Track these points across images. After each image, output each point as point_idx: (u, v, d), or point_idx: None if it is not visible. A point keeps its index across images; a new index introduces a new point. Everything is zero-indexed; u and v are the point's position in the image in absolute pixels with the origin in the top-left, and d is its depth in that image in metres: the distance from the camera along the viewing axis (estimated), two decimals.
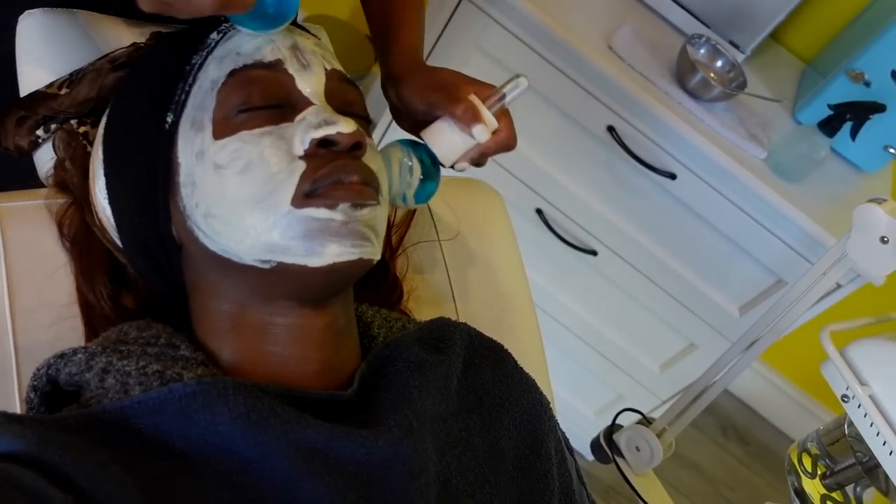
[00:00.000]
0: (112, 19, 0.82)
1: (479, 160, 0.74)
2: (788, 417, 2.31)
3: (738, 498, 2.12)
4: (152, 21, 0.78)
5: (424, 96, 0.73)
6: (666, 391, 1.72)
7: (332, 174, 0.58)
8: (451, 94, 0.71)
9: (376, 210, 0.61)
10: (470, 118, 0.69)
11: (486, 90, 0.72)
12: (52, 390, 0.61)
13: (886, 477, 0.87)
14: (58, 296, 0.69)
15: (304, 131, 0.59)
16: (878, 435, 0.83)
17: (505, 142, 0.73)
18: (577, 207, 1.53)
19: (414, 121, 0.77)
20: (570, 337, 1.73)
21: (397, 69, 0.79)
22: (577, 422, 1.86)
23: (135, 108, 0.64)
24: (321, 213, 0.57)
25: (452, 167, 0.74)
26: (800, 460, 1.01)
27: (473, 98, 0.70)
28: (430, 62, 1.49)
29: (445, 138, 0.71)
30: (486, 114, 0.70)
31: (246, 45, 0.63)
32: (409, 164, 0.72)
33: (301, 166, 0.58)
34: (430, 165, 0.73)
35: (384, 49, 0.82)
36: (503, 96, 0.72)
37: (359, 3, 0.90)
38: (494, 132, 0.72)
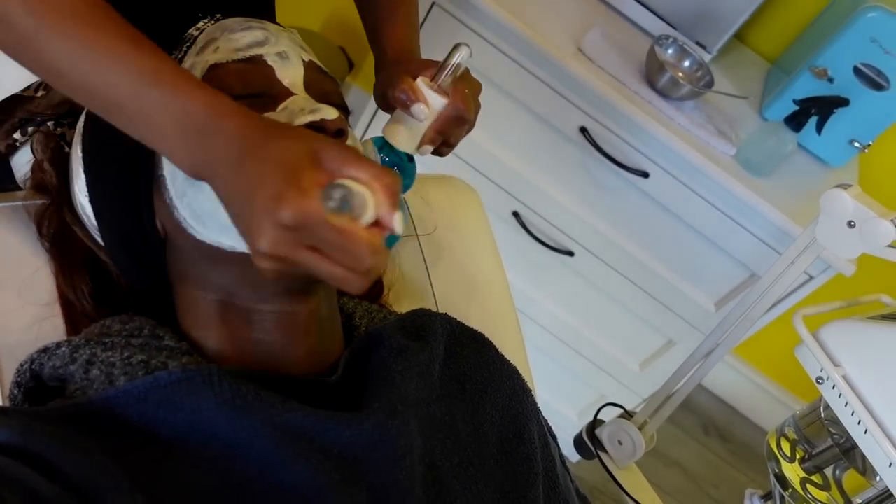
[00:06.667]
0: None
1: (438, 140, 0.71)
2: (767, 413, 2.33)
3: (720, 494, 2.14)
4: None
5: (378, 90, 0.73)
6: (646, 389, 1.74)
7: None
8: (392, 80, 0.69)
9: None
10: (405, 99, 0.67)
11: (430, 68, 0.70)
12: (36, 386, 0.61)
13: (863, 457, 0.88)
14: (38, 295, 0.69)
15: (289, 118, 0.60)
16: (852, 415, 0.85)
17: (454, 115, 0.70)
18: (553, 209, 1.55)
19: None
20: (549, 338, 1.74)
21: (376, 72, 0.78)
22: (560, 423, 1.86)
23: None
24: None
25: (419, 153, 0.72)
26: (778, 445, 1.02)
27: (420, 80, 0.68)
28: None
29: (396, 126, 0.70)
30: (426, 91, 0.68)
31: (224, 39, 0.64)
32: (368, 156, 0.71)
33: None
34: (406, 160, 0.74)
35: (374, 54, 0.81)
36: (448, 68, 0.68)
37: (331, 15, 0.90)
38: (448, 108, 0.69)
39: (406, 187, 0.76)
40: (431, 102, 0.68)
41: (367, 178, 0.47)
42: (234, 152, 0.49)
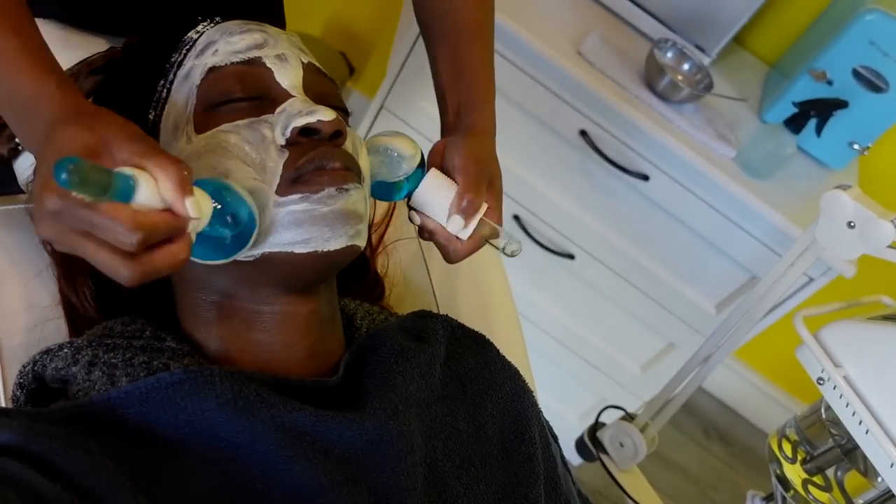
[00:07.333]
0: (81, 33, 0.82)
1: (422, 231, 0.73)
2: (769, 417, 2.33)
3: (722, 498, 2.14)
4: (123, 34, 0.78)
5: (465, 160, 0.71)
6: (648, 392, 1.74)
7: (315, 160, 0.59)
8: (478, 181, 0.70)
9: (360, 193, 0.62)
10: (464, 209, 0.69)
11: (494, 213, 0.72)
12: (39, 387, 0.62)
13: (865, 458, 0.88)
14: (41, 297, 0.70)
15: (286, 120, 0.60)
16: (853, 415, 0.85)
17: (446, 245, 0.71)
18: (554, 212, 1.55)
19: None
20: (550, 341, 1.74)
21: (479, 124, 0.77)
22: (561, 426, 1.84)
23: (116, 108, 0.65)
24: (307, 199, 0.58)
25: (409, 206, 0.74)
26: (780, 447, 1.02)
27: (484, 205, 0.70)
28: (403, 74, 1.51)
29: (438, 194, 0.70)
30: (475, 220, 0.69)
31: (223, 41, 0.64)
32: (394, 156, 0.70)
33: (284, 155, 0.59)
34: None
35: (457, 93, 0.79)
36: (497, 234, 0.71)
37: (331, 21, 0.88)
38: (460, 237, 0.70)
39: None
40: (463, 231, 0.70)
41: (151, 167, 0.48)
42: (41, 134, 0.51)
